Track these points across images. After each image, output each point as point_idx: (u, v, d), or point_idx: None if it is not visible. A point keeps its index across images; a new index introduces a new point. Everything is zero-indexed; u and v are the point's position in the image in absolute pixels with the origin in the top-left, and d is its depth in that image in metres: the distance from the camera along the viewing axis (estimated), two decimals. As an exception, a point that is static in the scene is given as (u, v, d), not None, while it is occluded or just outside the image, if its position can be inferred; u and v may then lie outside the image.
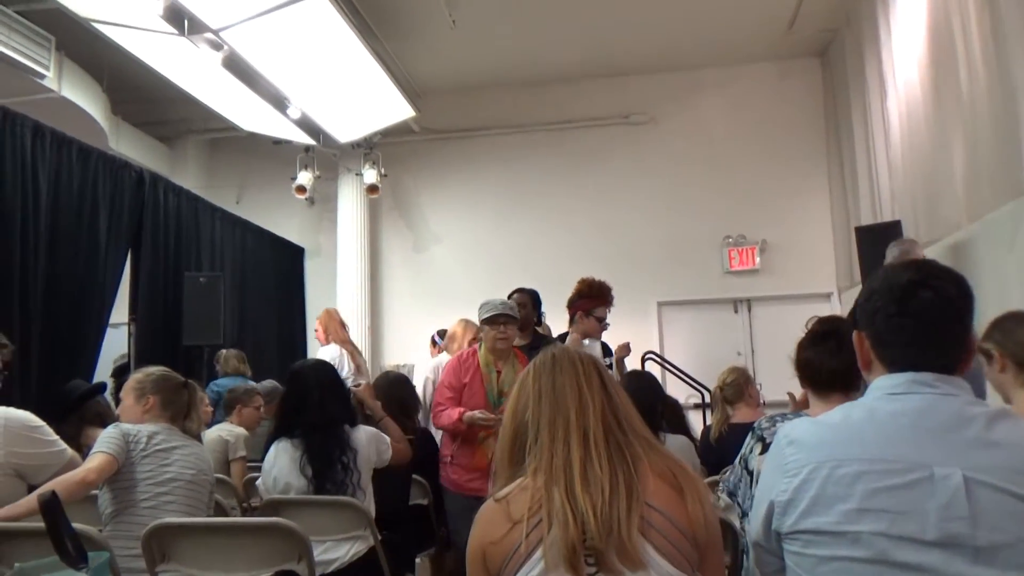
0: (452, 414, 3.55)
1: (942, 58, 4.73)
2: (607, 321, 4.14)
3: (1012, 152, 3.93)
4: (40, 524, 1.94)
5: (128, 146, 7.59)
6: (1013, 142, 3.91)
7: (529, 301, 4.55)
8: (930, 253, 4.99)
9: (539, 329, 4.78)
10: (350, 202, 8.28)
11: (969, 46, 4.33)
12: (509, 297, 4.35)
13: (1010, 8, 3.85)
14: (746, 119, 7.88)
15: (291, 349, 7.97)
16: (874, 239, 5.32)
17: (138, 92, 7.16)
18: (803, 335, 1.98)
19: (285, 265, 8.45)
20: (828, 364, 1.85)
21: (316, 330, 5.78)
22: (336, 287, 8.15)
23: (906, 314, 1.24)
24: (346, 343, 5.61)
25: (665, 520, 1.31)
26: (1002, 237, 4.16)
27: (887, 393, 1.24)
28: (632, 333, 7.49)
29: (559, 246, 7.85)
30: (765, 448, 1.89)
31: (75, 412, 3.41)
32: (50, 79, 5.93)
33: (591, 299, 4.12)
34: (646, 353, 6.66)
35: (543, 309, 4.96)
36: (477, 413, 3.47)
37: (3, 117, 4.49)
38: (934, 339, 1.24)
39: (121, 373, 5.65)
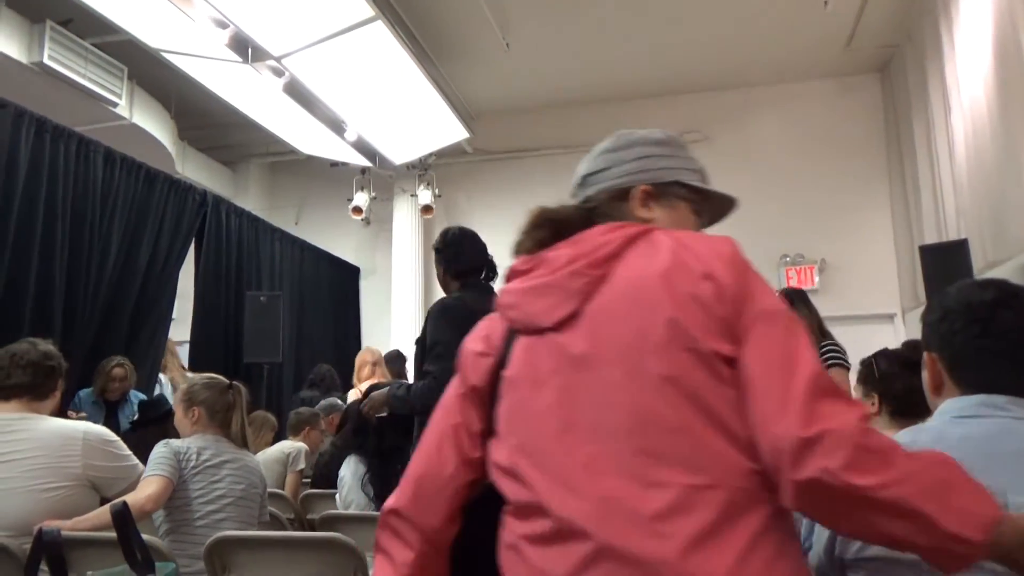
0: None
1: (1009, 75, 4.59)
2: None
3: (1086, 168, 3.79)
4: (109, 534, 2.01)
5: (194, 170, 7.88)
6: (1087, 158, 3.77)
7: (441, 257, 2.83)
8: (998, 273, 4.82)
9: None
10: (405, 222, 8.41)
11: (1038, 60, 4.20)
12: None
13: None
14: (803, 136, 7.74)
15: (347, 367, 8.07)
16: (939, 258, 5.15)
17: (203, 118, 7.42)
18: (878, 359, 1.90)
19: (341, 284, 8.60)
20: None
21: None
22: (391, 306, 8.26)
23: (988, 335, 1.20)
24: (178, 370, 5.56)
25: None
26: (1077, 256, 4.00)
27: (954, 416, 1.20)
28: (686, 354, 7.49)
29: (612, 266, 7.80)
30: None
31: (159, 426, 3.55)
32: (122, 107, 6.21)
33: None
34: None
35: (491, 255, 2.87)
36: None
37: (77, 144, 4.73)
38: (1015, 360, 1.20)
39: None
